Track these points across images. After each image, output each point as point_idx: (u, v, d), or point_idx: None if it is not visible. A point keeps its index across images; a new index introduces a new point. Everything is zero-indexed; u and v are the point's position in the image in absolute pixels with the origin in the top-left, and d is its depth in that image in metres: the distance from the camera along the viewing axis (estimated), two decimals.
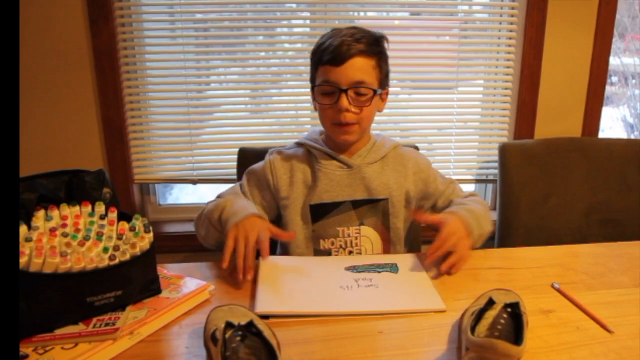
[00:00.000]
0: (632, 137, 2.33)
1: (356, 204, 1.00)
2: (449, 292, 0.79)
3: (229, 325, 0.59)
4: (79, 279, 0.66)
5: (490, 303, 0.65)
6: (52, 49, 1.36)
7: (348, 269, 0.86)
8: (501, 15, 1.52)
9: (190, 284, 0.79)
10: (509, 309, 0.63)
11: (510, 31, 1.52)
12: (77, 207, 0.76)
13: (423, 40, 1.54)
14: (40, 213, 0.73)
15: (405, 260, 0.90)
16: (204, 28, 1.47)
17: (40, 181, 0.76)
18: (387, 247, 1.03)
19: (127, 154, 1.46)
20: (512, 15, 1.51)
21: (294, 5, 1.48)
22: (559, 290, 0.80)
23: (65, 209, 0.75)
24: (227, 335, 0.58)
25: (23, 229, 0.69)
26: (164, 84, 1.47)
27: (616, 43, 2.03)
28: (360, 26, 0.99)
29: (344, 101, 0.93)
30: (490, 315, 0.63)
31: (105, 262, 0.69)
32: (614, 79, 2.30)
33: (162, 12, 1.45)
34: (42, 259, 0.65)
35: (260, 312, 0.69)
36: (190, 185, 1.62)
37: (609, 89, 1.75)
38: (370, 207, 1.01)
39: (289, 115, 1.54)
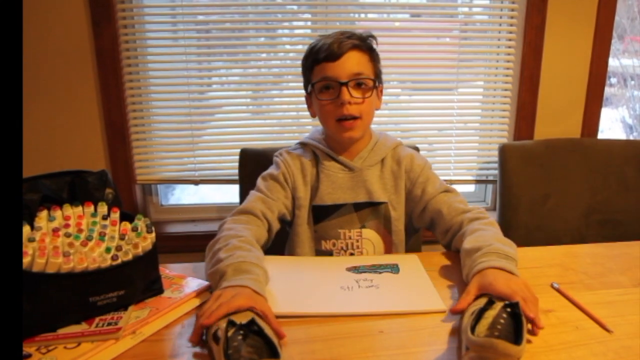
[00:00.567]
0: (631, 137, 2.34)
1: (358, 207, 1.00)
2: (449, 293, 0.79)
3: (230, 324, 0.60)
4: (81, 279, 0.67)
5: (490, 303, 0.66)
6: (55, 51, 1.37)
7: (349, 269, 0.86)
8: (501, 17, 1.53)
9: (192, 283, 0.80)
10: (508, 309, 0.63)
11: (510, 33, 1.52)
12: (80, 208, 0.76)
13: (423, 42, 1.54)
14: (43, 213, 0.73)
15: (406, 260, 0.90)
16: (206, 30, 1.47)
17: (43, 182, 0.76)
18: (390, 249, 1.03)
19: (129, 155, 1.47)
20: (512, 17, 1.51)
21: (295, 7, 1.49)
22: (558, 290, 0.80)
23: (68, 210, 0.75)
24: (229, 334, 0.58)
25: (26, 229, 0.69)
26: (166, 85, 1.48)
27: (615, 44, 2.04)
28: (350, 29, 1.01)
29: (345, 94, 0.93)
30: (490, 315, 0.63)
31: (108, 262, 0.69)
32: (613, 80, 2.31)
33: (164, 14, 1.46)
34: (45, 259, 0.65)
35: None
36: (192, 186, 1.62)
37: (608, 90, 1.76)
38: (372, 210, 1.01)
39: (290, 116, 1.55)
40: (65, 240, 0.70)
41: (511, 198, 1.43)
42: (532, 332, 0.67)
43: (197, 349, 0.64)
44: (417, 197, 1.01)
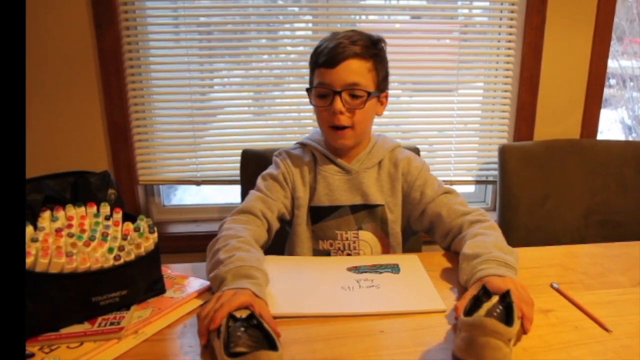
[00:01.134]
0: (630, 139, 2.34)
1: (354, 209, 1.00)
2: (449, 293, 0.79)
3: (231, 318, 0.60)
4: (84, 279, 0.67)
5: (487, 294, 0.66)
6: (57, 52, 1.37)
7: (350, 269, 0.86)
8: (501, 19, 1.54)
9: (194, 283, 0.80)
10: (504, 302, 0.64)
11: (510, 34, 1.53)
12: (83, 208, 0.77)
13: (424, 44, 1.55)
14: (46, 214, 0.73)
15: (406, 261, 0.91)
16: (208, 31, 1.48)
17: (46, 182, 0.76)
18: (387, 251, 1.03)
19: (131, 156, 1.48)
20: (511, 19, 1.52)
21: (296, 9, 1.50)
22: (558, 290, 0.80)
23: (71, 210, 0.75)
24: (230, 328, 0.59)
25: (29, 229, 0.70)
26: (168, 86, 1.48)
27: (614, 46, 2.05)
28: (359, 29, 0.98)
29: (338, 103, 0.92)
30: (486, 306, 0.64)
31: (111, 262, 0.69)
32: (612, 81, 2.31)
33: (166, 16, 1.46)
34: (48, 259, 0.66)
35: None
36: (194, 187, 1.63)
37: (607, 92, 1.76)
38: (368, 212, 1.01)
39: (292, 117, 1.55)
40: (68, 240, 0.70)
41: (511, 198, 1.43)
42: (524, 330, 0.67)
43: (199, 349, 0.65)
44: (415, 200, 1.00)
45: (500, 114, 1.59)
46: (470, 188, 1.71)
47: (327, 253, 1.02)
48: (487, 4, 1.56)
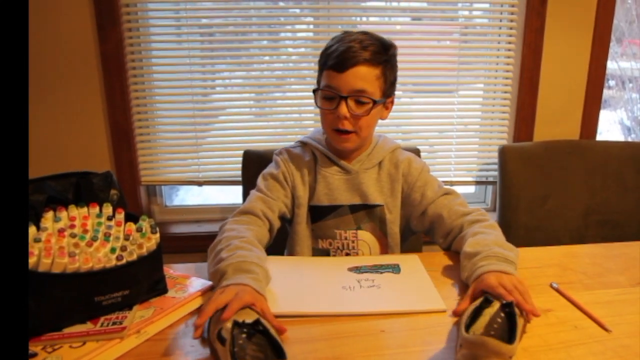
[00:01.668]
0: (629, 139, 2.35)
1: (354, 209, 1.01)
2: (450, 293, 0.80)
3: (236, 325, 0.60)
4: (87, 278, 0.67)
5: (487, 301, 0.66)
6: (60, 54, 1.38)
7: (351, 269, 0.87)
8: (501, 21, 1.54)
9: (196, 283, 0.80)
10: (506, 309, 0.64)
11: (510, 36, 1.53)
12: (85, 209, 0.77)
13: (424, 45, 1.55)
14: (49, 214, 0.73)
15: (407, 261, 0.91)
16: (209, 33, 1.48)
17: (49, 183, 0.77)
18: (385, 251, 1.03)
19: (134, 157, 1.48)
20: (511, 21, 1.53)
21: (297, 11, 1.50)
22: (557, 290, 0.80)
23: (74, 210, 0.75)
24: (234, 333, 0.59)
25: (32, 229, 0.70)
26: (170, 87, 1.49)
27: (614, 47, 2.06)
28: (371, 32, 0.97)
29: (343, 108, 0.92)
30: (488, 313, 0.64)
31: (113, 263, 0.69)
32: (612, 82, 2.32)
33: (168, 18, 1.47)
34: (51, 259, 0.66)
35: None
36: (196, 187, 1.63)
37: (606, 93, 1.77)
38: (367, 212, 1.01)
39: (293, 118, 1.56)
40: (70, 240, 0.70)
41: (511, 199, 1.43)
42: (527, 320, 0.68)
43: (201, 348, 0.65)
44: (415, 201, 1.00)
45: (500, 115, 1.60)
46: (471, 188, 1.71)
47: (326, 252, 1.02)
48: (487, 5, 1.56)
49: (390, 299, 0.77)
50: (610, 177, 1.47)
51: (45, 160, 1.42)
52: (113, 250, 0.71)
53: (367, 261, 0.91)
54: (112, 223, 0.76)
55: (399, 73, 1.53)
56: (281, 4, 1.50)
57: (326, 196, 1.01)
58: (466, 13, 1.56)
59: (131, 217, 0.79)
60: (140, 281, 0.73)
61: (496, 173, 1.49)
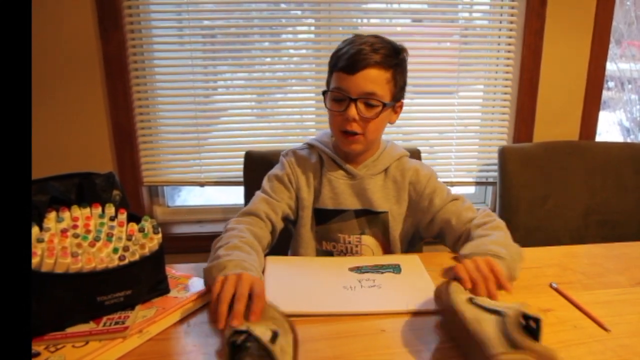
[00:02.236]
0: (629, 140, 2.35)
1: (359, 214, 1.01)
2: None
3: (235, 333, 0.57)
4: (89, 278, 0.68)
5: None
6: (63, 56, 1.39)
7: (352, 269, 0.87)
8: (501, 22, 1.55)
9: (198, 283, 0.80)
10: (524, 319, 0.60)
11: (510, 37, 1.54)
12: (88, 209, 0.77)
13: (425, 47, 1.56)
14: (52, 215, 0.74)
15: (407, 261, 0.91)
16: (211, 35, 1.49)
17: (51, 184, 0.76)
18: None
19: (136, 157, 1.49)
20: (511, 22, 1.53)
21: (299, 13, 1.51)
22: (557, 290, 0.81)
23: (76, 211, 0.76)
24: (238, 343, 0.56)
25: (35, 230, 0.70)
26: (173, 89, 1.49)
27: (613, 49, 2.06)
28: (382, 36, 0.96)
29: (352, 111, 0.91)
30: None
31: (115, 263, 0.70)
32: (611, 84, 2.33)
33: (171, 19, 1.47)
34: (54, 259, 0.66)
35: None
36: (198, 188, 1.64)
37: (605, 94, 1.77)
38: (372, 218, 1.01)
39: (294, 120, 1.56)
40: (73, 240, 0.70)
41: (511, 199, 1.44)
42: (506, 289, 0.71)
43: (203, 348, 0.65)
44: (424, 208, 1.00)
45: (500, 116, 1.60)
46: (471, 189, 1.72)
47: (329, 254, 1.03)
48: (487, 7, 1.57)
49: (391, 299, 0.77)
50: (609, 178, 1.47)
51: (48, 161, 1.43)
52: (115, 250, 0.71)
53: (368, 261, 0.91)
54: (115, 223, 0.77)
55: None
56: (283, 5, 1.50)
57: (331, 200, 1.01)
58: (466, 15, 1.56)
59: (133, 218, 0.79)
60: (143, 281, 0.73)
61: (496, 174, 1.50)
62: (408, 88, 1.64)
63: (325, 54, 1.47)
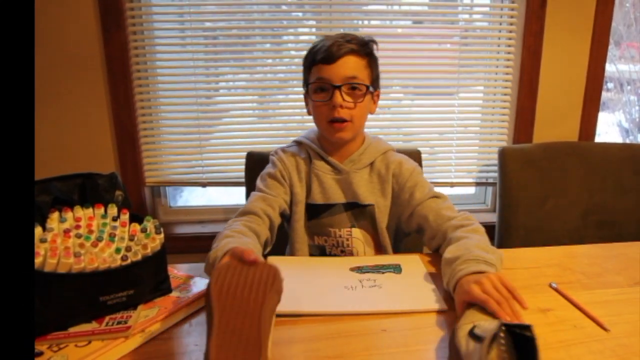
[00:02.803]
0: (628, 141, 2.36)
1: (347, 207, 1.02)
2: (450, 293, 0.80)
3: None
4: (92, 278, 0.68)
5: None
6: (66, 57, 1.39)
7: (353, 269, 0.88)
8: (501, 24, 1.55)
9: (200, 283, 0.81)
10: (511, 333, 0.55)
11: (510, 39, 1.54)
12: (90, 209, 0.78)
13: (425, 48, 1.57)
14: (55, 215, 0.74)
15: (408, 261, 0.92)
16: (213, 36, 1.49)
17: (54, 184, 0.77)
18: (378, 249, 1.05)
19: (138, 158, 1.49)
20: (511, 24, 1.54)
21: (300, 14, 1.52)
22: (556, 290, 0.81)
23: (79, 211, 0.76)
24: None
25: (38, 230, 0.71)
26: (174, 90, 1.50)
27: (612, 50, 2.07)
28: (350, 33, 1.02)
29: (338, 97, 0.94)
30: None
31: (118, 263, 0.70)
32: (610, 85, 2.33)
33: (173, 21, 1.48)
34: (57, 259, 0.67)
35: None
36: (199, 188, 1.64)
37: (605, 95, 1.77)
38: (360, 211, 1.02)
39: (295, 120, 1.57)
40: (76, 241, 0.71)
41: (511, 200, 1.44)
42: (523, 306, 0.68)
43: (204, 347, 0.65)
44: (405, 201, 1.00)
45: (500, 117, 1.61)
46: (471, 190, 1.72)
47: (322, 248, 1.04)
48: (487, 9, 1.57)
49: (392, 299, 0.78)
50: (608, 178, 1.47)
51: (51, 162, 1.43)
52: (118, 250, 0.72)
53: (368, 261, 0.92)
54: (117, 224, 0.77)
55: (400, 75, 1.56)
56: (284, 7, 1.51)
57: (320, 195, 1.02)
58: (466, 16, 1.57)
59: (136, 218, 0.80)
60: (145, 281, 0.73)
61: (496, 174, 1.50)
62: (408, 89, 1.65)
63: None
